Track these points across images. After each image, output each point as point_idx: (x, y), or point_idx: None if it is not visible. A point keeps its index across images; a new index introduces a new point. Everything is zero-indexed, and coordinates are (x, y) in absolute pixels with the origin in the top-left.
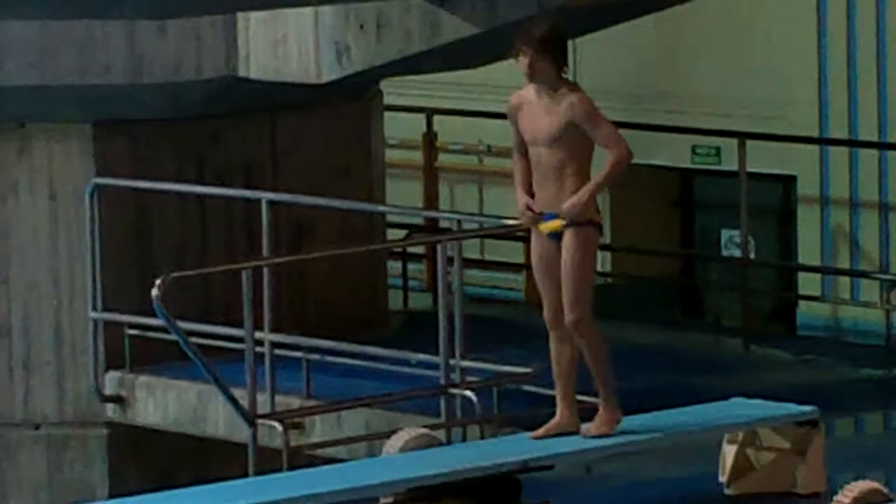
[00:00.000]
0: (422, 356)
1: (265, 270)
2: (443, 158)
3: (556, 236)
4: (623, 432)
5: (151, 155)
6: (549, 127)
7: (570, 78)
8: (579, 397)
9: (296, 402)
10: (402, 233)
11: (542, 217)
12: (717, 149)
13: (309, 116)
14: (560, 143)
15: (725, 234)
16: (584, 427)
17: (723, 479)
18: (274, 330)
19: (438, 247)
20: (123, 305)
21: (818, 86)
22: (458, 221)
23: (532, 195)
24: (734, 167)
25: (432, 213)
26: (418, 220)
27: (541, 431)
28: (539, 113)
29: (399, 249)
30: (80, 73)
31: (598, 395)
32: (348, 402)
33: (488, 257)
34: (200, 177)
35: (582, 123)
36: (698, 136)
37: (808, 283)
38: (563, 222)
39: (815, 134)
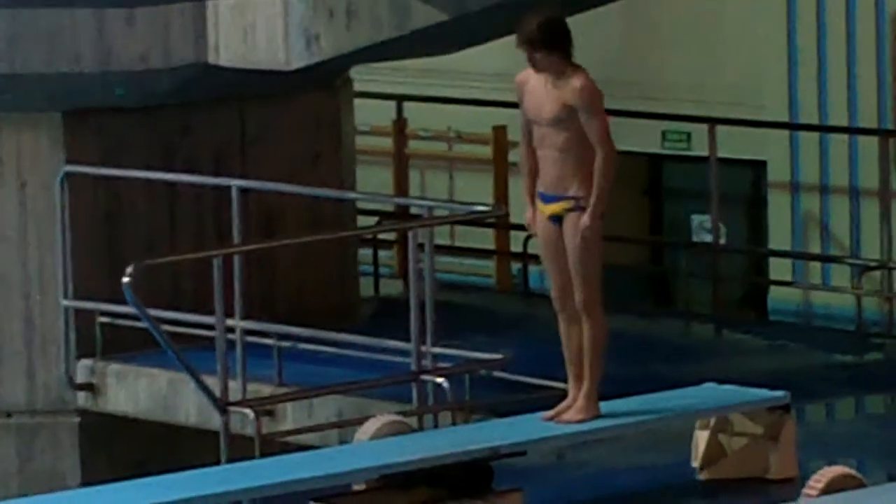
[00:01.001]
0: (392, 342)
1: (236, 258)
2: (413, 145)
3: (557, 219)
4: (595, 418)
5: (121, 143)
6: (551, 108)
7: None
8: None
9: (267, 390)
10: (372, 220)
11: (543, 198)
12: (688, 134)
13: (279, 104)
14: (563, 124)
15: (696, 219)
16: (552, 412)
17: (695, 464)
18: (245, 317)
19: (409, 234)
20: (94, 293)
21: (788, 71)
22: (429, 208)
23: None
24: (704, 153)
25: (403, 200)
26: (389, 207)
27: (551, 413)
28: (543, 93)
29: (370, 236)
30: (48, 62)
31: (584, 382)
32: (320, 390)
33: (459, 244)
34: (170, 165)
35: (579, 109)
36: (668, 122)
37: (779, 269)
38: (565, 206)
39: (785, 119)
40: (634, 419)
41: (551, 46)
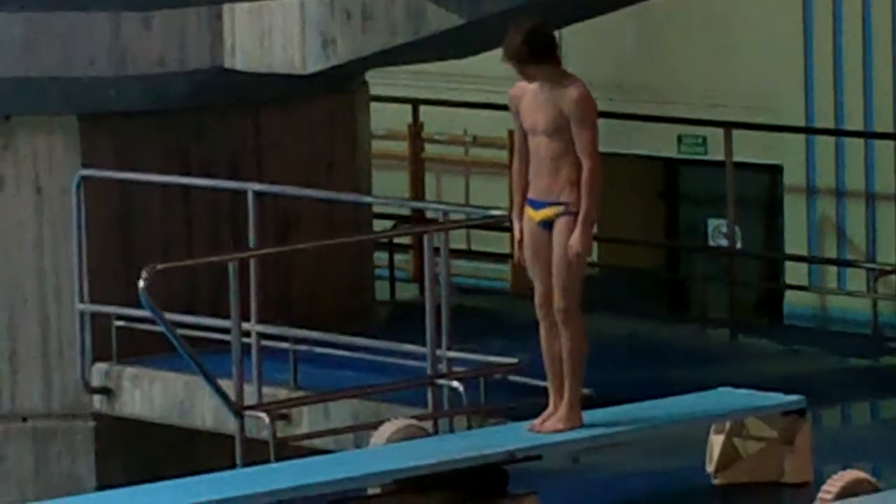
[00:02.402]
0: (407, 346)
1: (251, 262)
2: (429, 149)
3: (548, 225)
4: (610, 423)
5: (137, 147)
6: (547, 117)
7: None
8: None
9: (283, 394)
10: (388, 223)
11: (533, 205)
12: (704, 138)
13: (294, 108)
14: (558, 133)
15: (712, 224)
16: (536, 421)
17: (710, 469)
18: (260, 321)
19: (425, 237)
20: (110, 297)
21: (804, 75)
22: (445, 212)
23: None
24: (720, 157)
25: (418, 204)
26: (405, 211)
27: (536, 422)
28: (539, 103)
29: (385, 240)
30: (64, 65)
31: (565, 392)
32: (335, 393)
33: (475, 248)
34: (186, 169)
35: (572, 118)
36: (684, 126)
37: (794, 273)
38: (556, 211)
39: (801, 123)
40: (649, 423)
41: (540, 57)
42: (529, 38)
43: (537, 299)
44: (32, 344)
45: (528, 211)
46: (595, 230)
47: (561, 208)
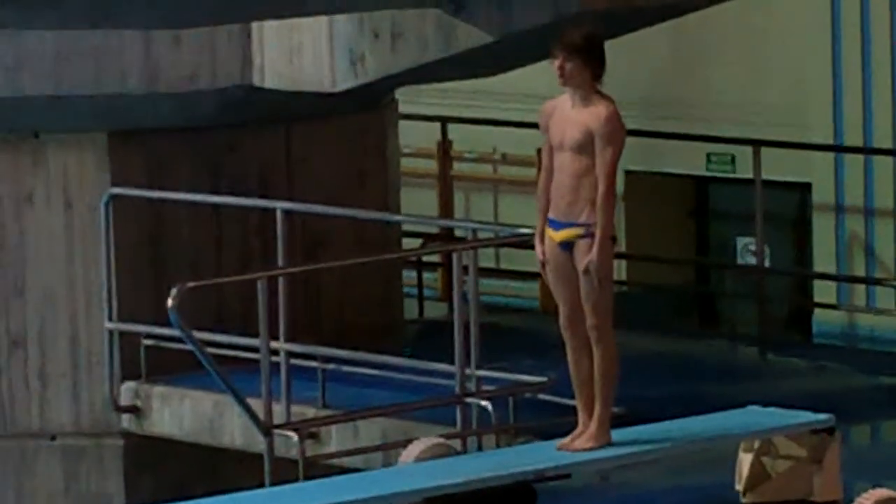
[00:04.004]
0: (436, 365)
1: (280, 280)
2: (458, 167)
3: (567, 246)
4: (639, 441)
5: (166, 165)
6: (574, 133)
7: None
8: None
9: (311, 412)
10: (417, 242)
11: (553, 225)
12: (732, 156)
13: (324, 125)
14: (584, 150)
15: (741, 241)
16: (565, 440)
17: (738, 487)
18: (289, 339)
19: (454, 256)
20: (139, 315)
21: (833, 93)
22: (474, 230)
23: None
24: (749, 175)
25: (447, 222)
26: (433, 229)
27: (566, 441)
28: (569, 118)
29: (414, 258)
30: (94, 82)
31: (596, 409)
32: (364, 412)
33: (503, 266)
34: (215, 186)
35: (598, 135)
36: (713, 144)
37: (823, 291)
38: (576, 232)
39: (830, 141)
40: (678, 441)
41: (588, 59)
42: (588, 36)
43: (562, 320)
44: (62, 362)
45: (549, 231)
46: (623, 248)
47: (581, 230)
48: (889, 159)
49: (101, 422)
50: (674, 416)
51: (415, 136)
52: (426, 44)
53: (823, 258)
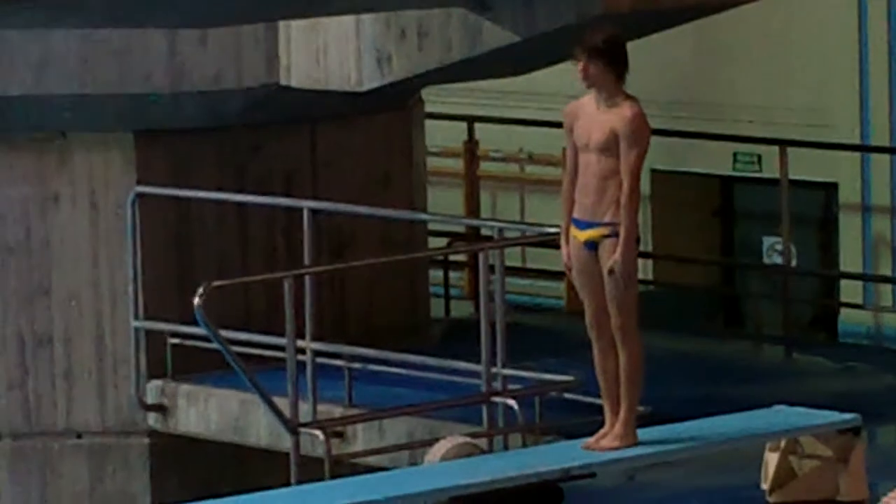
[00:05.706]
0: (462, 364)
1: (307, 279)
2: (484, 166)
3: (592, 245)
4: (665, 441)
5: (192, 164)
6: (599, 134)
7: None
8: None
9: (338, 411)
10: (443, 241)
11: (578, 225)
12: (759, 156)
13: (350, 125)
14: (609, 152)
15: (767, 241)
16: (591, 439)
17: (765, 487)
18: (315, 339)
19: (480, 255)
20: (165, 314)
21: (859, 93)
22: (500, 230)
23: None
24: (775, 175)
25: (474, 222)
26: (460, 229)
27: (592, 440)
28: (594, 119)
29: (440, 258)
30: (120, 82)
31: (622, 409)
32: (390, 411)
33: (530, 265)
34: (241, 186)
35: (622, 136)
36: (739, 144)
37: (849, 291)
38: (601, 232)
39: (856, 141)
40: (704, 441)
41: (610, 61)
42: (610, 38)
43: (588, 320)
44: (87, 361)
45: (573, 231)
46: (649, 248)
47: (606, 230)
48: None
49: (127, 421)
50: (700, 415)
51: (441, 136)
52: (452, 43)
53: (850, 258)
